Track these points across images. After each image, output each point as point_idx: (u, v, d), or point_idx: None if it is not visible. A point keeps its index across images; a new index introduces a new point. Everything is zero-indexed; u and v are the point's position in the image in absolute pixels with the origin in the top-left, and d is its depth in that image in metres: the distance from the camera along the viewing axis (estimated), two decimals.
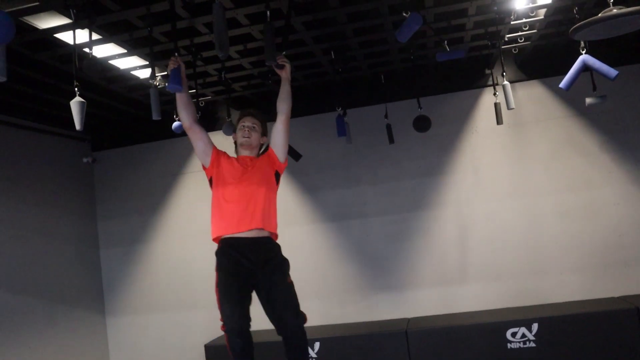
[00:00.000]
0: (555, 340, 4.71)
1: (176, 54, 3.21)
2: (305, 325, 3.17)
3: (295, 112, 3.61)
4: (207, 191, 6.08)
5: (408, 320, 5.36)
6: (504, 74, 4.41)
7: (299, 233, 5.80)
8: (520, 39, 4.77)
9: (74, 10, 3.16)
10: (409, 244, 5.66)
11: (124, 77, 4.77)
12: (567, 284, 5.28)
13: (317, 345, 5.09)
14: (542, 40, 4.99)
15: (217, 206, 3.32)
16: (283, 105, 3.34)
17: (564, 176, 5.38)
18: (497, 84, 4.97)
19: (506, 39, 4.56)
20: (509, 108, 4.35)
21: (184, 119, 3.26)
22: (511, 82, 5.00)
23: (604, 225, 5.28)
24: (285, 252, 3.34)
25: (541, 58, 5.38)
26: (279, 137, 3.35)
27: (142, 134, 6.24)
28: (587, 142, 5.36)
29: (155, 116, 3.62)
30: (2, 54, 2.24)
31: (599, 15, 2.44)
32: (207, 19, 3.80)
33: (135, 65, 4.55)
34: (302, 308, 3.17)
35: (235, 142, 3.46)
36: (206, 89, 5.32)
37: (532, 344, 4.75)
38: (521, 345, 4.78)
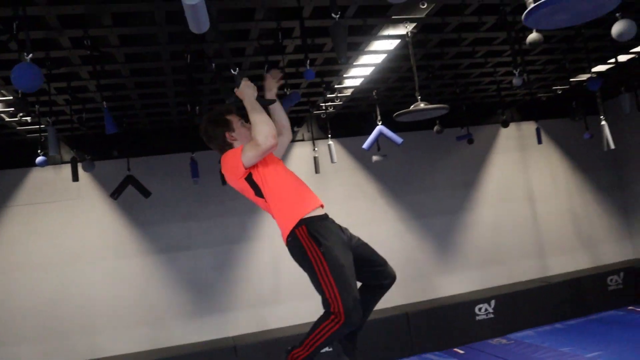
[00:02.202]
0: None
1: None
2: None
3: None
4: (32, 226, 6.08)
5: (232, 338, 6.15)
6: (330, 135, 5.73)
7: (130, 265, 6.19)
8: (330, 107, 6.17)
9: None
10: (231, 271, 6.53)
11: None
12: None
13: None
14: (343, 109, 6.49)
15: (287, 185, 2.99)
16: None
17: (354, 215, 6.87)
18: (316, 140, 6.27)
19: (323, 107, 5.91)
20: (332, 162, 5.66)
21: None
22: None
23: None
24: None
25: (338, 123, 6.87)
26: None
27: None
28: (369, 189, 7.00)
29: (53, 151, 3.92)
30: None
31: (411, 107, 3.81)
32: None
33: None
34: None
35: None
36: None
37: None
38: (328, 349, 5.97)
